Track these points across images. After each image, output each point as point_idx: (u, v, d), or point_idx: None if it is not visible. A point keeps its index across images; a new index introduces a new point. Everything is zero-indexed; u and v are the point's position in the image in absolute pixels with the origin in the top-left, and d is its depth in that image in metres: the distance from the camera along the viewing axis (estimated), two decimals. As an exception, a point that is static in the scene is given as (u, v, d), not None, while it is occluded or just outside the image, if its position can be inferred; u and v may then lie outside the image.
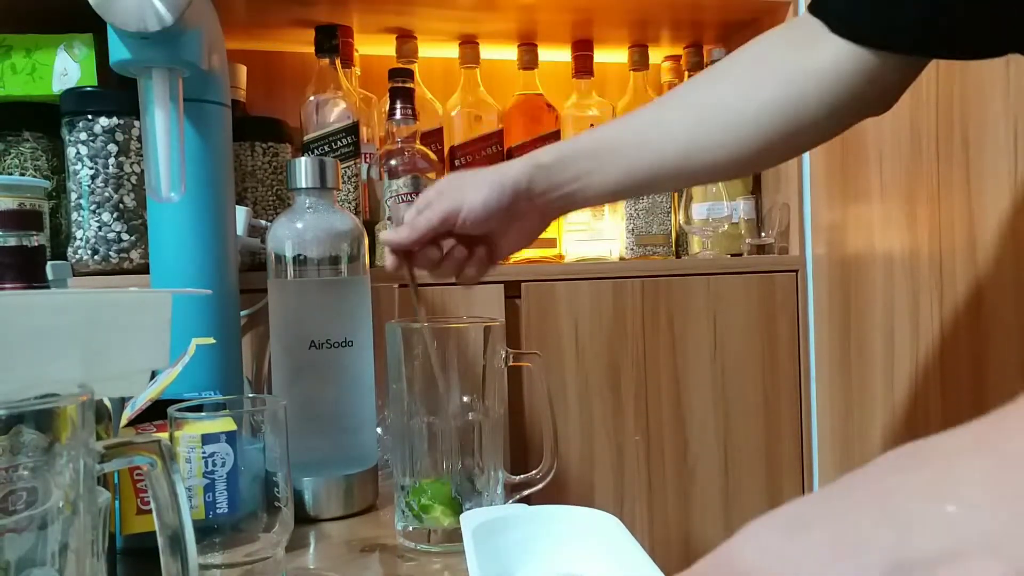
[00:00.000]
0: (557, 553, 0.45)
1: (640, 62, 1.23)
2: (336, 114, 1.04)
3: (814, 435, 1.14)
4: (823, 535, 0.24)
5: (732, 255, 1.17)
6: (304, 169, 0.68)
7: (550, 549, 0.45)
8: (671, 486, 1.08)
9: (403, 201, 1.02)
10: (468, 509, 0.58)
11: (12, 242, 0.57)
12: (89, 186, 0.85)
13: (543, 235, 1.13)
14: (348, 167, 1.03)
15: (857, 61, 0.54)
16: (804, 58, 0.56)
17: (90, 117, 0.84)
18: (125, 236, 0.85)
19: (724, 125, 0.59)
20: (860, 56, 0.54)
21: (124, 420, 0.55)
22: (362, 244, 0.70)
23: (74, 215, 0.86)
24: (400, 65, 1.11)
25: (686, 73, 1.29)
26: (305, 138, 1.04)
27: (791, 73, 0.57)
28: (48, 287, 0.61)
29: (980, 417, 0.26)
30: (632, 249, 1.18)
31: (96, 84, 0.88)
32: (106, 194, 0.85)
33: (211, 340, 0.61)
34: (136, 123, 0.85)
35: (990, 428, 0.25)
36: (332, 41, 1.05)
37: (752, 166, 0.63)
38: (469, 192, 0.61)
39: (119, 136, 0.85)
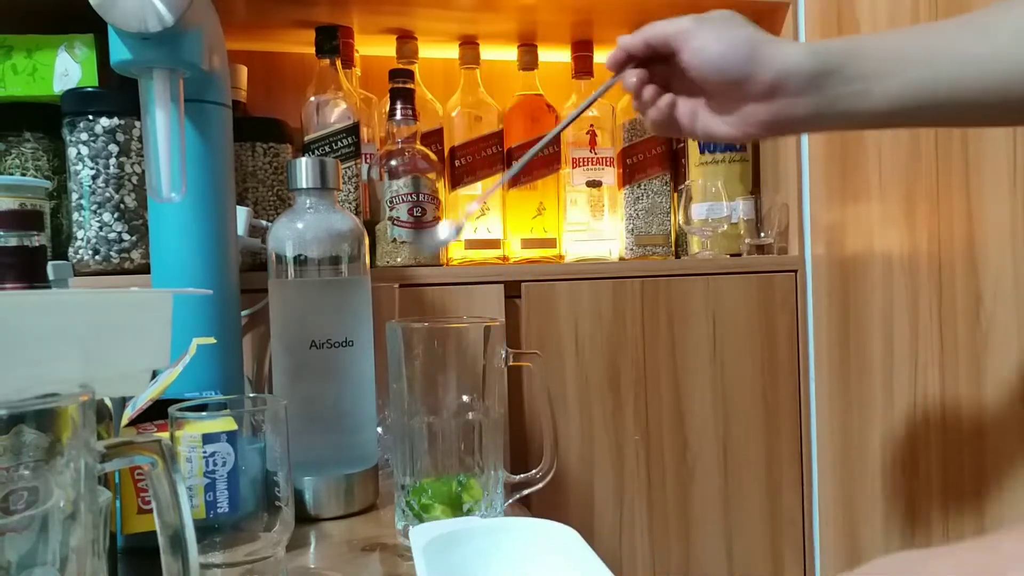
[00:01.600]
0: (512, 567, 0.43)
1: (640, 62, 1.23)
2: (336, 115, 1.04)
3: (813, 435, 1.14)
4: None
5: (731, 255, 1.17)
6: (305, 169, 0.68)
7: (505, 563, 0.44)
8: (671, 486, 1.08)
9: (403, 201, 1.03)
10: (468, 508, 0.58)
11: (13, 242, 0.57)
12: (90, 186, 0.85)
13: (544, 235, 1.14)
14: (348, 167, 1.03)
15: None
16: None
17: (91, 117, 0.84)
18: (126, 236, 0.85)
19: None
20: None
21: (125, 420, 0.55)
22: (362, 244, 0.70)
23: (75, 215, 0.86)
24: (400, 66, 1.11)
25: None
26: (306, 138, 1.04)
27: None
28: (49, 287, 0.61)
29: (975, 539, 0.27)
30: (632, 249, 1.18)
31: (97, 84, 0.89)
32: (107, 194, 0.85)
33: (212, 340, 0.61)
34: (137, 123, 0.86)
35: (986, 556, 0.26)
36: (332, 42, 1.05)
37: None
38: (707, 34, 0.55)
39: (120, 136, 0.85)
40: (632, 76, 0.64)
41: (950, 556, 0.27)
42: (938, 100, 0.51)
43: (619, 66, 0.65)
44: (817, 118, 0.54)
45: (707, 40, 0.56)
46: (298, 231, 0.68)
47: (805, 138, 1.14)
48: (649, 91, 0.63)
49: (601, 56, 1.25)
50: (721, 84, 0.57)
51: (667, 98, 0.62)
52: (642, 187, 1.19)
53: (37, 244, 0.58)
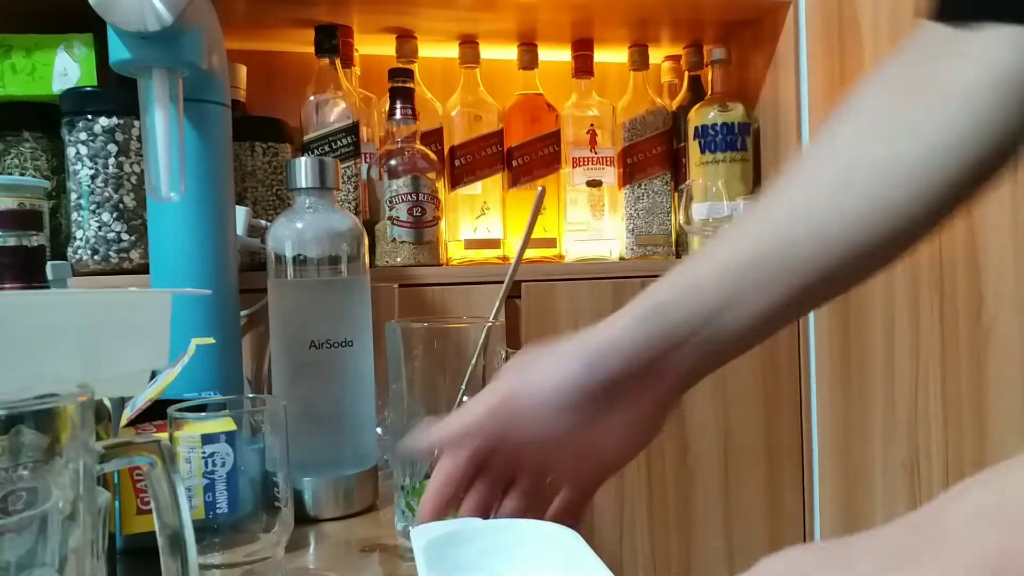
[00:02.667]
0: (513, 567, 0.43)
1: (640, 62, 1.23)
2: (336, 114, 1.04)
3: (814, 435, 1.14)
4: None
5: (732, 255, 1.17)
6: (304, 169, 0.67)
7: (506, 563, 0.43)
8: (671, 485, 1.08)
9: (403, 201, 1.02)
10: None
11: (12, 242, 0.57)
12: (89, 186, 0.85)
13: (543, 235, 1.14)
14: (348, 167, 1.03)
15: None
16: (954, 78, 0.42)
17: (90, 117, 0.84)
18: (125, 236, 0.85)
19: (907, 179, 0.41)
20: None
21: (124, 420, 0.55)
22: (362, 244, 0.70)
23: (74, 215, 0.86)
24: (400, 65, 1.11)
25: (686, 73, 1.29)
26: (305, 138, 1.04)
27: (949, 90, 0.42)
28: (48, 287, 0.61)
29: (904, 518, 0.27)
30: (632, 249, 1.18)
31: (96, 84, 0.89)
32: (106, 194, 0.85)
33: (211, 340, 0.61)
34: (136, 123, 0.85)
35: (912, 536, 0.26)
36: (332, 41, 1.05)
37: (943, 216, 0.43)
38: (529, 370, 0.42)
39: (119, 136, 0.85)
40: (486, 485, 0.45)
41: (873, 538, 0.27)
42: (819, 287, 0.43)
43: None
44: (688, 382, 0.45)
45: (539, 408, 0.41)
46: (297, 231, 0.67)
47: (806, 137, 1.14)
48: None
49: (601, 56, 1.25)
50: (571, 439, 0.43)
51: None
52: (642, 187, 1.19)
53: (36, 244, 0.58)
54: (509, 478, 0.45)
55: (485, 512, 0.45)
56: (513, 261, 0.62)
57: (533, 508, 0.45)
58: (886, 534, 0.27)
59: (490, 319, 0.59)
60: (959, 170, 0.41)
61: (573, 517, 0.45)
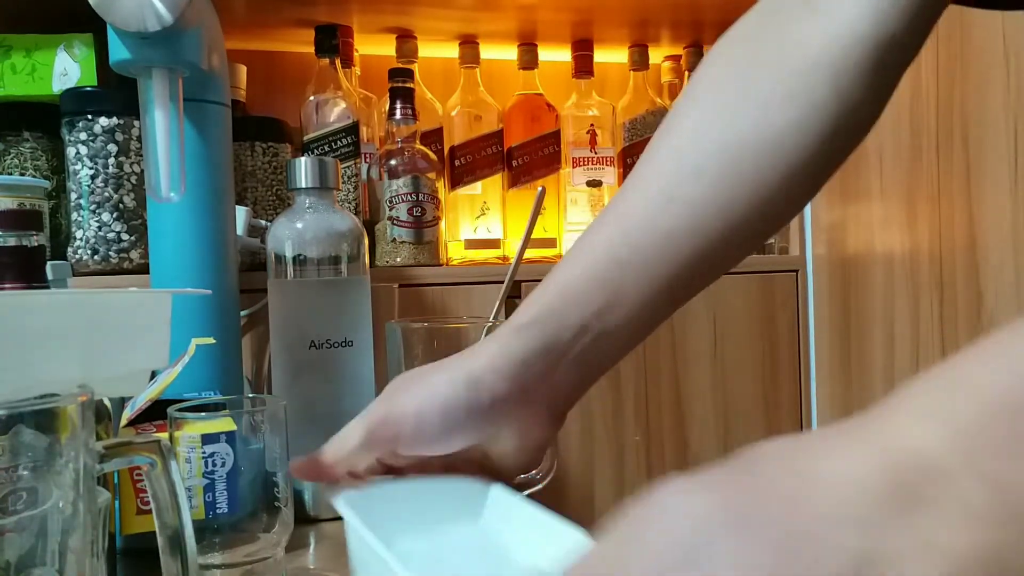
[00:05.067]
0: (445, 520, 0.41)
1: (640, 62, 1.23)
2: (336, 114, 1.04)
3: (814, 435, 1.14)
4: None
5: (732, 255, 1.17)
6: (304, 169, 0.68)
7: (438, 517, 0.41)
8: (671, 486, 1.08)
9: (403, 201, 1.02)
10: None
11: (12, 242, 0.57)
12: (89, 186, 0.85)
13: (543, 235, 1.14)
14: (348, 167, 1.03)
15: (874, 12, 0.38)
16: (804, 37, 0.39)
17: (90, 117, 0.84)
18: (125, 236, 0.85)
19: (752, 158, 0.39)
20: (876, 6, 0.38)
21: (124, 420, 0.55)
22: (362, 244, 0.70)
23: (74, 215, 0.86)
24: (400, 65, 1.11)
25: (686, 73, 1.29)
26: (305, 138, 1.04)
27: (794, 60, 0.39)
28: (48, 287, 0.61)
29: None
30: (632, 249, 1.18)
31: (96, 84, 0.89)
32: (106, 194, 0.85)
33: (211, 340, 0.61)
34: (136, 123, 0.85)
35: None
36: (332, 41, 1.05)
37: (802, 197, 0.42)
38: (410, 392, 0.40)
39: (119, 136, 0.85)
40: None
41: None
42: (682, 285, 0.41)
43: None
44: (580, 387, 0.43)
45: (419, 422, 0.39)
46: (297, 231, 0.67)
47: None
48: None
49: (601, 55, 1.25)
50: (456, 450, 0.41)
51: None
52: (642, 187, 1.19)
53: (36, 244, 0.58)
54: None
55: None
56: (513, 261, 0.62)
57: None
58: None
59: (490, 319, 0.59)
60: (814, 147, 0.39)
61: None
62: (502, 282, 0.62)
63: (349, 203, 1.03)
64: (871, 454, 0.24)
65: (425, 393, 0.39)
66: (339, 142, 1.03)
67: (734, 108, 0.40)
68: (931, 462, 0.22)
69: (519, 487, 0.62)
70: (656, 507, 0.25)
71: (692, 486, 0.25)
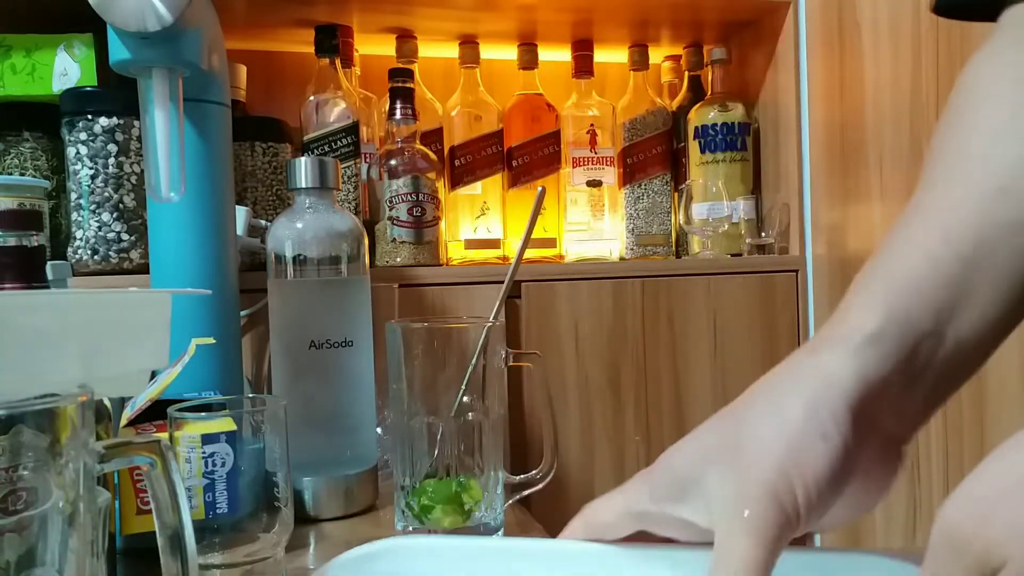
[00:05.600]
0: None
1: (640, 62, 1.23)
2: (336, 114, 1.04)
3: (814, 435, 1.14)
4: None
5: (732, 255, 1.17)
6: (304, 169, 0.68)
7: None
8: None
9: (403, 201, 1.02)
10: (469, 508, 0.58)
11: (12, 242, 0.57)
12: (89, 186, 0.85)
13: (543, 235, 1.14)
14: (348, 167, 1.03)
15: None
16: None
17: (90, 117, 0.84)
18: (125, 236, 0.85)
19: None
20: None
21: (124, 420, 0.55)
22: (362, 244, 0.70)
23: (74, 215, 0.86)
24: (400, 65, 1.11)
25: (686, 73, 1.29)
26: (305, 138, 1.04)
27: None
28: (48, 287, 0.61)
29: None
30: (632, 249, 1.18)
31: (96, 84, 0.89)
32: (106, 194, 0.85)
33: (211, 340, 0.61)
34: (136, 123, 0.85)
35: None
36: (332, 41, 1.05)
37: None
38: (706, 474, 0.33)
39: (119, 136, 0.85)
40: None
41: None
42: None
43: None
44: (933, 408, 0.36)
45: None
46: (297, 231, 0.67)
47: (806, 137, 1.14)
48: None
49: (601, 56, 1.25)
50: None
51: None
52: (642, 187, 1.19)
53: (36, 244, 0.58)
54: None
55: None
56: (513, 261, 0.62)
57: None
58: None
59: (490, 319, 0.59)
60: None
61: None
62: (502, 282, 0.62)
63: (349, 203, 1.03)
64: None
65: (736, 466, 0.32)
66: (339, 142, 1.03)
67: None
68: None
69: (519, 487, 0.62)
70: None
71: None
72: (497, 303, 0.61)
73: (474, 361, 0.58)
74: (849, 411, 0.32)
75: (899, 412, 0.34)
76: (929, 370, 0.34)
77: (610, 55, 1.30)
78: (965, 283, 0.34)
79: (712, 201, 1.15)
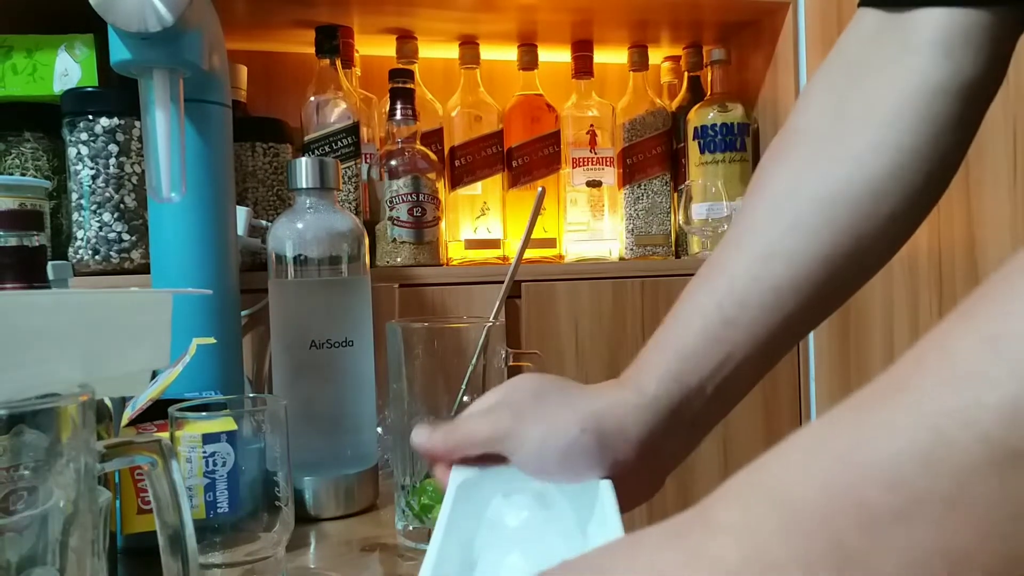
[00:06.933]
0: (536, 504, 0.44)
1: (640, 62, 1.23)
2: (336, 114, 1.04)
3: (814, 435, 1.14)
4: None
5: (732, 255, 1.17)
6: (304, 169, 0.68)
7: (530, 500, 0.44)
8: (670, 486, 1.07)
9: (403, 201, 1.02)
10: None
11: (13, 242, 0.57)
12: (90, 186, 0.85)
13: (543, 235, 1.14)
14: (348, 167, 1.03)
15: (961, 29, 0.40)
16: (887, 91, 0.41)
17: (91, 117, 0.84)
18: (126, 236, 0.85)
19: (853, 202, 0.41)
20: (961, 23, 0.40)
21: (125, 420, 0.55)
22: (362, 244, 0.70)
23: (75, 215, 0.86)
24: (400, 66, 1.11)
25: (685, 73, 1.29)
26: (306, 138, 1.04)
27: (888, 97, 0.41)
28: (49, 287, 0.61)
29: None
30: (632, 249, 1.18)
31: (97, 84, 0.89)
32: (107, 194, 0.85)
33: (212, 340, 0.61)
34: (137, 123, 0.86)
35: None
36: (332, 42, 1.05)
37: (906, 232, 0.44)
38: (538, 420, 0.42)
39: (120, 136, 0.85)
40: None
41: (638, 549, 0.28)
42: (799, 324, 0.43)
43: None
44: (706, 425, 0.45)
45: (538, 451, 0.41)
46: (298, 231, 0.68)
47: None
48: None
49: (601, 56, 1.25)
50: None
51: None
52: (642, 187, 1.19)
53: (37, 244, 0.58)
54: None
55: None
56: (513, 261, 0.62)
57: None
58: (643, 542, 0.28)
59: (490, 319, 0.59)
60: (907, 192, 0.41)
61: None
62: (502, 282, 0.62)
63: (350, 203, 1.03)
64: (676, 562, 0.26)
65: (552, 428, 0.41)
66: (339, 142, 1.04)
67: (827, 161, 0.42)
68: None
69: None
70: None
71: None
72: (497, 303, 0.61)
73: (474, 361, 0.58)
74: (615, 437, 0.42)
75: (666, 452, 0.44)
76: (690, 417, 0.43)
77: (610, 56, 1.30)
78: (730, 345, 0.42)
79: (711, 201, 1.15)
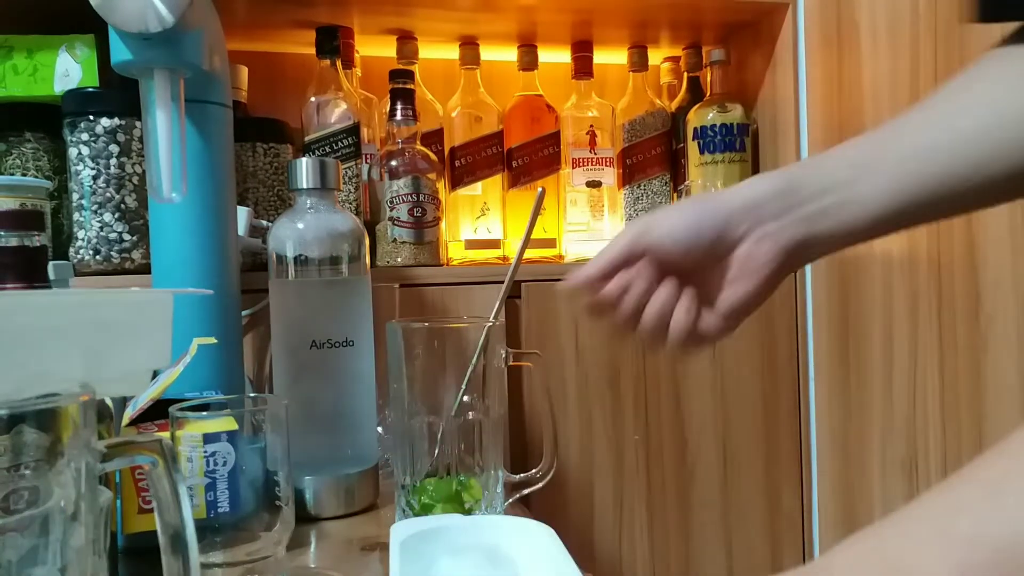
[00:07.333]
0: (485, 563, 0.44)
1: (640, 63, 1.23)
2: (337, 115, 1.04)
3: (813, 435, 1.14)
4: None
5: (732, 255, 1.17)
6: (305, 170, 0.68)
7: (478, 559, 0.44)
8: (670, 486, 1.08)
9: (404, 202, 1.03)
10: (469, 507, 0.58)
11: (14, 242, 0.57)
12: (91, 186, 0.85)
13: (543, 235, 1.14)
14: (349, 168, 1.04)
15: None
16: None
17: (92, 118, 0.85)
18: (127, 236, 0.85)
19: None
20: None
21: (126, 419, 0.55)
22: (363, 244, 0.70)
23: (76, 215, 0.86)
24: (400, 66, 1.11)
25: (685, 74, 1.29)
26: (306, 139, 1.04)
27: None
28: (50, 287, 0.61)
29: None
30: (632, 249, 1.18)
31: (98, 85, 0.89)
32: (108, 194, 0.85)
33: (212, 340, 0.61)
34: (138, 124, 0.86)
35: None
36: (333, 42, 1.05)
37: None
38: (667, 214, 0.50)
39: (121, 137, 0.85)
40: (639, 285, 0.52)
41: None
42: (918, 197, 0.48)
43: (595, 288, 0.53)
44: (807, 243, 0.49)
45: (672, 221, 0.50)
46: (298, 231, 0.68)
47: (804, 138, 1.14)
48: (664, 294, 0.52)
49: (601, 57, 1.25)
50: (702, 253, 0.50)
51: (682, 304, 0.52)
52: (642, 187, 1.19)
53: (38, 244, 0.58)
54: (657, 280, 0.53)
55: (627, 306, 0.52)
56: (513, 261, 0.62)
57: (664, 308, 0.52)
58: None
59: (490, 319, 0.60)
60: None
61: (706, 321, 0.53)
62: (502, 282, 0.62)
63: (350, 204, 1.03)
64: None
65: (678, 211, 0.50)
66: (340, 143, 1.04)
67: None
68: None
69: (519, 487, 0.62)
70: None
71: None
72: (497, 303, 0.62)
73: (474, 361, 0.58)
74: (725, 206, 0.49)
75: (781, 225, 0.49)
76: (806, 208, 0.48)
77: (609, 56, 1.30)
78: (868, 172, 0.48)
79: (712, 202, 1.15)
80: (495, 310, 0.61)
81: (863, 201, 0.48)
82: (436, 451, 0.59)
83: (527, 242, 0.63)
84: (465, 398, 0.59)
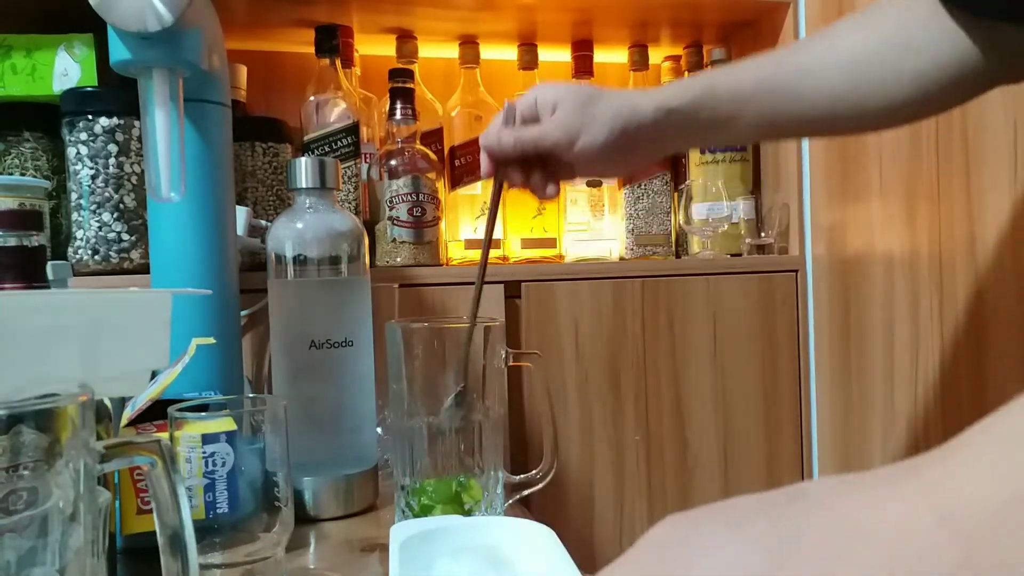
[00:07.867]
0: (485, 564, 0.44)
1: (640, 62, 1.23)
2: (336, 114, 1.04)
3: (814, 435, 1.14)
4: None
5: (732, 255, 1.17)
6: (304, 169, 0.68)
7: (478, 561, 0.44)
8: (671, 486, 1.08)
9: (403, 201, 1.02)
10: (469, 508, 0.58)
11: (12, 242, 0.57)
12: (89, 186, 0.85)
13: (544, 235, 1.14)
14: (348, 167, 1.03)
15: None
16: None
17: (90, 117, 0.84)
18: (125, 236, 0.85)
19: (879, 80, 0.56)
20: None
21: (124, 420, 0.55)
22: (362, 244, 0.70)
23: (74, 215, 0.86)
24: (400, 65, 1.11)
25: (686, 73, 1.29)
26: (305, 138, 1.04)
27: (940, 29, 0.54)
28: (48, 287, 0.61)
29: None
30: (632, 249, 1.18)
31: (96, 84, 0.89)
32: (106, 194, 0.85)
33: (211, 340, 0.61)
34: (136, 123, 0.86)
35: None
36: (332, 41, 1.05)
37: (905, 119, 0.62)
38: (589, 128, 0.59)
39: (119, 136, 0.85)
40: (515, 176, 0.65)
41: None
42: (790, 128, 0.63)
43: (492, 172, 0.66)
44: (688, 146, 0.65)
45: (585, 144, 0.60)
46: (297, 231, 0.68)
47: (805, 138, 1.14)
48: (536, 179, 0.66)
49: (601, 56, 1.25)
50: (608, 165, 0.64)
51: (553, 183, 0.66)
52: (642, 187, 1.19)
53: (36, 244, 0.58)
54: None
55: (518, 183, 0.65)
56: (480, 260, 0.64)
57: (542, 182, 0.65)
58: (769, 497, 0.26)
59: (464, 317, 0.60)
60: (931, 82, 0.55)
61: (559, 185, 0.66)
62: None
63: (349, 203, 1.03)
64: (922, 506, 0.22)
65: (599, 131, 0.59)
66: (339, 142, 1.03)
67: (870, 25, 0.58)
68: (987, 516, 0.21)
69: (519, 487, 0.62)
70: (687, 548, 0.24)
71: (728, 529, 0.24)
72: (472, 304, 0.62)
73: (461, 355, 0.58)
74: (634, 127, 0.60)
75: (667, 142, 0.63)
76: (694, 135, 0.64)
77: (610, 55, 1.30)
78: (738, 106, 0.61)
79: (712, 201, 1.15)
80: (471, 311, 0.62)
81: (734, 134, 0.61)
82: (436, 451, 0.59)
83: (491, 232, 0.66)
84: (457, 401, 0.59)
